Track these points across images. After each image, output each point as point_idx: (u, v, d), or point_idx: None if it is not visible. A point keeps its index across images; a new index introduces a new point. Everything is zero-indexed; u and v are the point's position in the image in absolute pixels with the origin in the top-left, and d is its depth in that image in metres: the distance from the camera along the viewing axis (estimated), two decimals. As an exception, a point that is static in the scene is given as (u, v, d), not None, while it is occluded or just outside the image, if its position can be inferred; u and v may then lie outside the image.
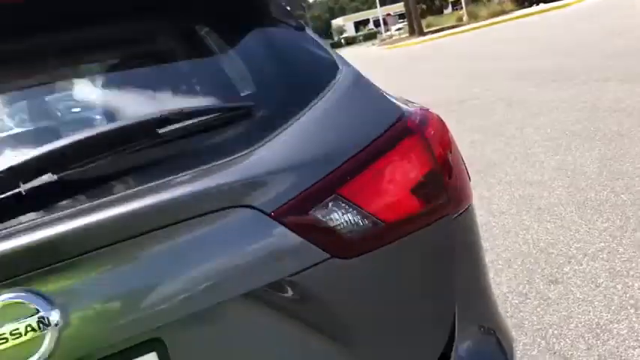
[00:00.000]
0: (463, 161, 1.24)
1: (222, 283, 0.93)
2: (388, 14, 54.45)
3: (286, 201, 0.97)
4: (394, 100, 1.20)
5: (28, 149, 0.92)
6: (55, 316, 0.82)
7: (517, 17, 26.86)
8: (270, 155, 1.01)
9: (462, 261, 1.14)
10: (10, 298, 0.81)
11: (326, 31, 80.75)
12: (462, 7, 37.95)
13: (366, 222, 1.01)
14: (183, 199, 0.92)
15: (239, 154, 1.00)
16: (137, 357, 0.89)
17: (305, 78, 1.19)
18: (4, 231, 0.84)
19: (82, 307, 0.85)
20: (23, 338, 0.80)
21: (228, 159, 0.99)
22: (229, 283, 0.93)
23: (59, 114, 1.18)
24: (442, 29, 33.28)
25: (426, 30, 35.69)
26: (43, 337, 0.82)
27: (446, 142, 1.17)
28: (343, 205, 1.00)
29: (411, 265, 1.08)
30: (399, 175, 1.07)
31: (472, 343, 1.15)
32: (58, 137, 0.97)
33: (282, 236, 0.96)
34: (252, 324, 0.96)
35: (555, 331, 2.35)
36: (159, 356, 0.90)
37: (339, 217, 0.99)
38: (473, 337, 1.16)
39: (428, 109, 1.24)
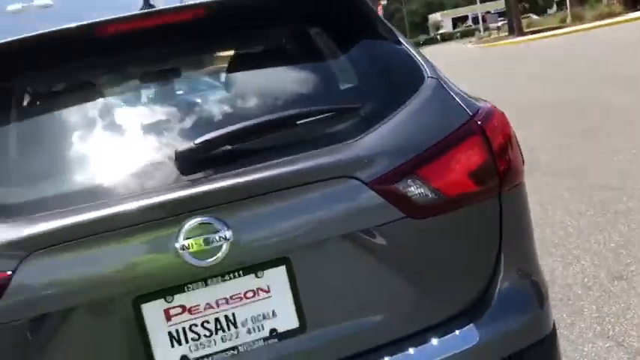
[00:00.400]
0: (519, 147, 1.58)
1: (332, 224, 1.32)
2: (488, 12, 53.34)
3: (379, 176, 1.34)
4: (467, 102, 1.54)
5: (227, 127, 1.36)
6: (229, 235, 1.23)
7: (626, 20, 25.67)
8: (370, 142, 1.38)
9: (508, 225, 1.48)
10: (204, 220, 1.23)
11: (422, 26, 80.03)
12: (566, 8, 36.61)
13: (433, 195, 1.37)
14: (313, 168, 1.32)
15: (349, 141, 1.38)
16: (272, 267, 1.30)
17: (399, 85, 1.55)
18: (218, 175, 1.29)
19: (246, 232, 1.26)
20: (208, 247, 1.22)
21: (341, 143, 1.38)
22: (337, 225, 1.32)
23: (240, 103, 1.63)
24: (543, 30, 32.31)
25: (526, 30, 34.75)
26: (220, 247, 1.23)
27: (504, 137, 1.51)
28: (418, 182, 1.36)
29: (465, 227, 1.44)
30: (461, 164, 1.42)
31: (510, 283, 1.49)
32: (246, 119, 1.40)
33: (374, 199, 1.33)
34: (349, 255, 1.35)
35: (612, 320, 2.59)
36: (287, 270, 1.31)
37: (415, 190, 1.36)
38: (511, 279, 1.50)
39: (494, 108, 1.58)
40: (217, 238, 1.23)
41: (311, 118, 1.42)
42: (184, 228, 1.23)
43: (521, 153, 1.61)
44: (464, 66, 18.29)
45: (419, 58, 1.65)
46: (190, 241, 1.22)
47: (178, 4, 1.63)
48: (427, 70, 1.60)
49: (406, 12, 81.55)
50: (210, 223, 1.23)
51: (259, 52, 1.88)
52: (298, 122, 1.41)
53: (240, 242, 1.25)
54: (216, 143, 1.33)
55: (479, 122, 1.48)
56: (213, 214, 1.24)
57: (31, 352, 1.24)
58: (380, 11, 66.55)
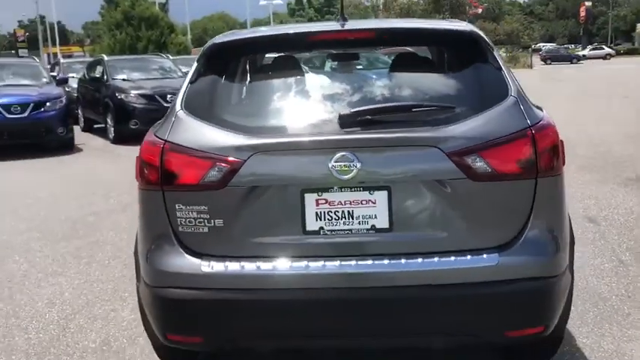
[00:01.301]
0: (561, 151, 2.37)
1: (418, 173, 2.24)
2: None
3: (454, 150, 2.22)
4: (532, 115, 2.34)
5: (372, 104, 2.38)
6: (359, 165, 2.20)
7: None
8: (454, 130, 2.26)
9: (540, 198, 2.27)
10: (346, 154, 2.19)
11: (627, 34, 74.01)
12: None
13: (487, 169, 2.23)
14: (415, 137, 2.25)
15: (441, 126, 2.28)
16: (379, 190, 2.25)
17: (489, 98, 2.40)
18: (359, 131, 2.27)
19: (369, 166, 2.21)
20: (346, 169, 2.19)
21: (436, 127, 2.28)
22: (421, 174, 2.24)
23: (383, 91, 2.64)
24: None
25: None
26: (352, 171, 2.20)
27: (548, 143, 2.30)
28: (479, 159, 2.22)
29: (507, 193, 2.27)
30: (511, 154, 2.26)
31: (534, 235, 2.29)
32: (383, 101, 2.40)
33: (448, 163, 2.22)
34: (426, 194, 2.25)
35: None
36: (387, 193, 2.25)
37: (476, 163, 2.22)
38: (536, 232, 2.29)
39: (549, 124, 2.37)
40: (351, 165, 2.21)
41: (422, 109, 2.36)
42: (335, 155, 2.22)
43: (563, 156, 2.40)
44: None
45: (510, 82, 2.48)
46: (338, 163, 2.22)
47: (362, 26, 2.69)
48: (512, 90, 2.43)
49: (612, 17, 75.69)
50: (349, 156, 2.22)
51: (404, 59, 2.83)
52: (413, 110, 2.35)
53: (364, 171, 2.22)
54: (363, 113, 2.32)
55: (533, 130, 2.30)
56: (353, 151, 2.22)
57: (244, 204, 2.31)
58: (583, 12, 61.84)
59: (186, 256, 2.35)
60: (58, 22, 77.97)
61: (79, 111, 13.98)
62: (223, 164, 2.28)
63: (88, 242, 5.32)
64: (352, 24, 2.73)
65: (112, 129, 11.93)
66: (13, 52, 56.25)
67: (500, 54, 2.73)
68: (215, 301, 2.31)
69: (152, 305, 2.44)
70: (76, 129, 12.25)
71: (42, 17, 60.19)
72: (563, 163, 2.43)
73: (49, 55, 51.24)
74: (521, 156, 2.28)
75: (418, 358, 3.00)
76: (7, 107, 10.32)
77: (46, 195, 7.38)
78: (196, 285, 2.32)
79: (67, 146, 10.98)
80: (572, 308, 3.46)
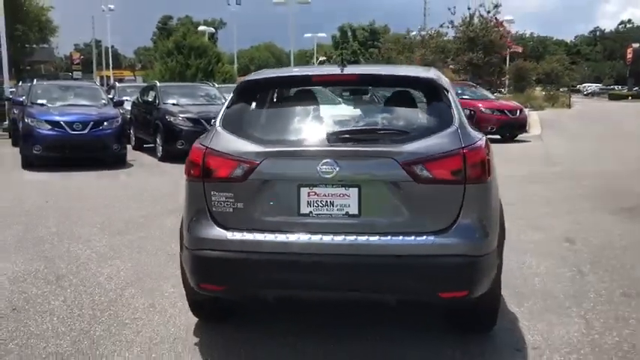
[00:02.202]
0: (487, 165, 3.28)
1: (379, 176, 3.18)
2: None
3: (405, 161, 3.15)
4: (468, 139, 3.26)
5: (350, 126, 3.40)
6: (337, 169, 3.13)
7: None
8: (406, 147, 3.20)
9: (468, 197, 3.16)
10: (329, 161, 3.14)
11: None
12: None
13: (429, 175, 3.15)
14: (377, 151, 3.21)
15: (398, 144, 3.23)
16: (352, 187, 3.19)
17: (437, 126, 3.35)
18: (340, 145, 3.23)
19: (345, 170, 3.16)
20: (329, 171, 3.15)
21: (394, 144, 3.24)
22: (381, 176, 3.18)
23: (360, 116, 3.63)
24: None
25: None
26: (333, 172, 3.15)
27: (476, 160, 3.22)
28: (423, 168, 3.15)
29: (442, 192, 3.18)
30: (447, 166, 3.17)
31: (465, 225, 3.17)
32: (359, 124, 3.41)
33: (401, 171, 3.14)
34: (385, 191, 3.18)
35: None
36: (358, 190, 3.19)
37: (420, 171, 3.15)
38: (467, 223, 3.17)
39: (481, 145, 3.29)
40: (333, 169, 3.16)
41: (385, 131, 3.33)
42: (322, 161, 3.18)
43: (489, 169, 3.32)
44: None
45: (455, 116, 3.41)
46: (323, 167, 3.18)
47: (352, 72, 3.69)
48: (455, 121, 3.37)
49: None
50: (331, 162, 3.18)
51: (378, 95, 3.81)
52: (379, 132, 3.32)
53: (342, 173, 3.18)
54: (344, 132, 3.31)
55: (464, 151, 3.23)
56: (334, 159, 3.17)
57: (258, 193, 3.28)
58: (630, 54, 61.60)
59: (217, 228, 3.34)
60: (112, 47, 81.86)
61: (132, 131, 15.30)
62: (245, 164, 3.28)
63: (138, 237, 6.39)
64: (347, 69, 3.73)
65: (160, 148, 13.16)
66: (69, 74, 59.16)
67: (454, 94, 3.67)
68: (235, 259, 3.29)
69: (190, 263, 3.44)
70: (128, 147, 13.53)
71: (97, 41, 63.46)
72: (489, 175, 3.34)
73: (101, 77, 53.81)
74: (453, 168, 3.21)
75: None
76: (70, 124, 11.65)
77: (102, 200, 8.55)
78: (222, 248, 3.31)
79: (121, 161, 12.25)
80: (525, 302, 4.36)
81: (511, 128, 18.06)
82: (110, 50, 61.88)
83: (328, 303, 4.03)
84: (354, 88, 4.08)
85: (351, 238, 3.21)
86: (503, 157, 14.21)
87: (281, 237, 3.26)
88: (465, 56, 23.62)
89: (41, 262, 5.46)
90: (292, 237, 3.25)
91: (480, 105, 17.87)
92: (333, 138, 3.29)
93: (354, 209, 3.24)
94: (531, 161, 13.14)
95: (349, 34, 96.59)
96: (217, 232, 3.34)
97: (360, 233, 3.22)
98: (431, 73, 3.77)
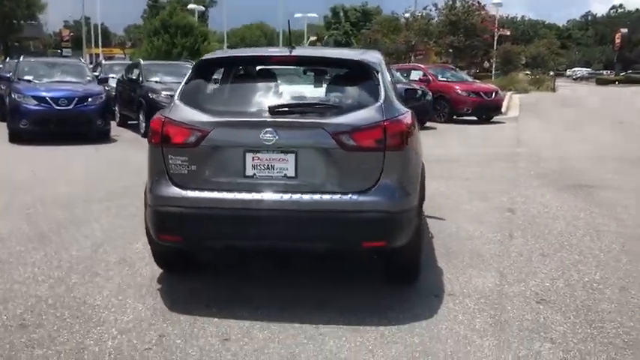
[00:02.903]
0: (406, 135, 3.85)
1: (313, 143, 3.73)
2: None
3: (334, 131, 3.70)
4: (390, 113, 3.82)
5: (289, 100, 4.00)
6: (277, 137, 3.67)
7: None
8: (335, 120, 3.75)
9: (388, 163, 3.72)
10: (270, 130, 3.68)
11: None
12: None
13: (354, 144, 3.70)
14: (311, 122, 3.76)
15: (329, 117, 3.78)
16: (290, 153, 3.73)
17: (365, 102, 3.90)
18: (280, 116, 3.79)
19: (283, 138, 3.69)
20: (270, 138, 3.72)
21: (326, 117, 3.79)
22: (314, 143, 3.72)
23: (299, 92, 4.15)
24: None
25: None
26: (273, 140, 3.68)
27: (395, 131, 3.77)
28: (349, 137, 3.70)
29: (366, 158, 3.74)
30: (370, 136, 3.73)
31: (385, 185, 3.73)
32: (298, 99, 4.02)
33: (329, 138, 3.68)
34: (317, 156, 3.73)
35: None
36: (295, 155, 3.73)
37: (347, 140, 3.69)
38: (387, 184, 3.73)
39: (401, 119, 3.86)
40: (273, 137, 3.70)
41: (319, 105, 3.89)
42: (264, 130, 3.72)
43: (404, 138, 3.88)
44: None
45: (382, 93, 3.97)
46: (265, 135, 3.72)
47: (296, 54, 4.22)
48: (381, 98, 3.92)
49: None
50: (272, 131, 3.72)
51: (317, 74, 4.34)
52: (315, 106, 3.87)
53: (281, 141, 3.72)
54: (283, 106, 3.86)
55: (385, 123, 3.79)
56: (274, 128, 3.70)
57: (209, 157, 3.82)
58: (618, 39, 62.30)
59: (174, 187, 3.89)
60: (102, 24, 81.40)
61: (116, 108, 15.75)
62: (198, 132, 3.82)
63: (117, 204, 6.92)
64: (294, 52, 4.26)
65: (143, 124, 13.63)
66: (58, 51, 58.98)
67: (385, 74, 4.22)
68: (189, 214, 3.85)
69: (152, 218, 3.99)
70: (113, 124, 13.99)
71: (87, 19, 63.27)
72: (407, 144, 3.91)
73: (91, 55, 53.74)
74: (375, 137, 3.77)
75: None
76: (55, 100, 12.09)
77: (85, 172, 9.07)
78: (178, 204, 3.86)
79: (105, 137, 12.73)
80: (453, 259, 4.97)
81: (486, 110, 18.64)
82: (99, 27, 61.62)
83: (276, 256, 4.63)
84: (303, 68, 4.62)
85: (288, 196, 3.77)
86: (474, 137, 14.93)
87: (229, 195, 3.82)
88: (447, 39, 24.09)
89: (25, 224, 6.00)
90: (238, 195, 3.81)
91: (457, 87, 18.44)
92: (275, 110, 3.84)
93: (291, 172, 3.79)
94: (499, 142, 13.75)
95: (341, 14, 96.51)
96: (174, 191, 3.89)
97: (296, 192, 3.78)
98: (366, 56, 4.32)
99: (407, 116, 4.01)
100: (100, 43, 58.53)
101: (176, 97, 4.12)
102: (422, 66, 20.66)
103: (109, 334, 3.63)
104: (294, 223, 3.79)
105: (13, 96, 12.24)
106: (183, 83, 4.22)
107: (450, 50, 24.64)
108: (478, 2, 24.42)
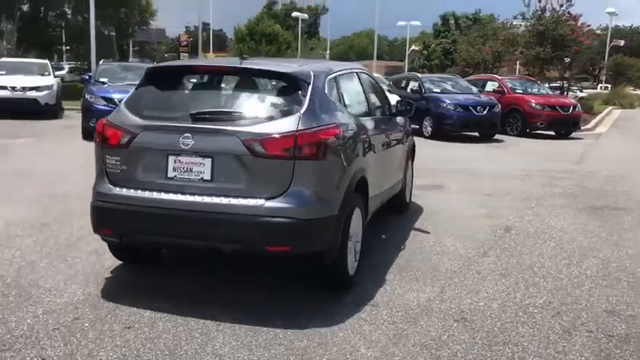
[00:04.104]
0: (320, 146, 3.95)
1: (227, 149, 3.94)
2: None
3: (245, 139, 3.89)
4: (307, 124, 3.95)
5: (210, 108, 4.21)
6: (194, 142, 3.93)
7: None
8: (249, 128, 3.95)
9: (298, 171, 3.87)
10: (188, 135, 3.95)
11: None
12: None
13: (264, 151, 3.87)
14: (227, 130, 3.97)
15: (242, 125, 3.98)
16: (207, 157, 3.97)
17: (285, 112, 4.07)
18: (199, 122, 4.02)
19: (200, 143, 3.95)
20: (187, 142, 3.98)
21: (240, 125, 3.99)
22: (228, 149, 3.93)
23: (225, 100, 4.38)
24: None
25: None
26: (190, 144, 3.95)
27: (306, 141, 3.89)
28: (260, 145, 3.87)
29: (276, 165, 3.90)
30: (280, 145, 3.88)
31: (294, 193, 3.89)
32: (222, 107, 4.26)
33: (241, 145, 3.88)
34: (230, 160, 3.94)
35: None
36: (211, 160, 3.96)
37: (257, 148, 3.87)
38: (296, 191, 3.88)
39: (316, 133, 3.97)
40: (190, 142, 3.96)
41: (237, 114, 4.09)
42: (183, 135, 3.98)
43: (319, 149, 3.98)
44: None
45: (306, 105, 4.11)
46: (184, 140, 3.98)
47: (230, 65, 4.43)
48: (303, 110, 4.06)
49: None
50: (190, 136, 3.97)
51: (251, 85, 4.51)
52: (233, 114, 4.08)
53: (198, 146, 3.97)
54: (203, 113, 4.09)
55: (297, 134, 3.92)
56: (192, 134, 3.96)
57: (137, 158, 4.14)
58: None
59: (108, 184, 4.24)
60: (220, 30, 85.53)
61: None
62: (128, 135, 4.15)
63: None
64: (244, 62, 4.49)
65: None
66: (173, 54, 62.61)
67: (320, 87, 4.35)
68: (118, 210, 4.18)
69: (91, 212, 4.36)
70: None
71: (206, 24, 66.79)
72: (324, 155, 4.01)
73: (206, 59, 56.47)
74: (285, 146, 3.91)
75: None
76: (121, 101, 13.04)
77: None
78: (110, 200, 4.21)
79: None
80: (404, 272, 5.02)
81: (562, 125, 17.78)
82: (211, 33, 64.73)
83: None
84: (239, 79, 4.69)
85: (202, 198, 4.00)
86: (536, 152, 14.34)
87: (151, 194, 4.11)
88: (533, 50, 23.14)
89: (39, 212, 6.64)
90: (160, 195, 4.09)
91: (532, 100, 17.76)
92: (195, 117, 4.09)
93: (207, 175, 4.02)
94: (561, 159, 13.12)
95: (451, 22, 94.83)
96: (108, 188, 4.24)
97: (210, 195, 4.01)
98: (303, 68, 4.47)
99: (329, 129, 4.11)
100: (210, 48, 61.57)
101: (122, 103, 4.48)
102: (498, 77, 20.02)
103: (34, 313, 4.03)
104: (205, 223, 4.01)
105: (86, 96, 13.35)
106: (133, 89, 4.58)
107: (536, 62, 23.63)
108: (569, 12, 23.27)
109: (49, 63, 20.57)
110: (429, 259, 5.44)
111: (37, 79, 18.51)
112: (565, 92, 26.48)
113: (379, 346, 3.69)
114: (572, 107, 17.98)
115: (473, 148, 14.82)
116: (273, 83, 4.42)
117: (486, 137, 16.58)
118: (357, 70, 5.76)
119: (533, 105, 17.50)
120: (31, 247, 5.42)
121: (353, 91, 5.34)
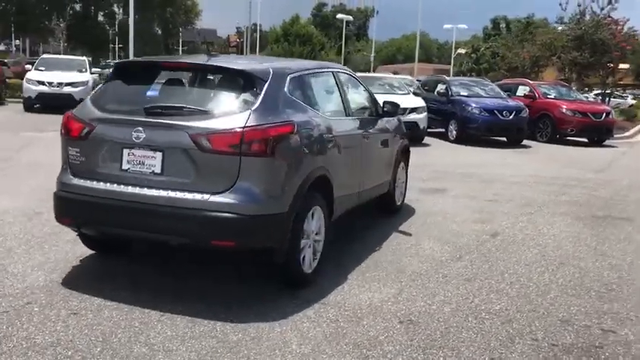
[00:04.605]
0: (267, 144, 3.99)
1: (175, 142, 4.02)
2: None
3: (193, 134, 3.97)
4: (257, 122, 4.01)
5: (165, 102, 4.28)
6: (145, 135, 4.03)
7: None
8: (197, 123, 4.02)
9: (244, 167, 3.92)
10: (139, 128, 4.05)
11: None
12: None
13: (210, 147, 3.95)
14: (177, 124, 4.06)
15: (192, 120, 4.04)
16: (158, 151, 4.07)
17: (236, 108, 4.13)
18: (152, 116, 4.13)
19: (152, 136, 4.05)
20: (139, 135, 4.07)
21: (190, 120, 4.05)
22: (177, 142, 4.01)
23: (179, 95, 4.49)
24: None
25: None
26: (142, 138, 4.04)
27: (252, 138, 3.94)
28: (206, 140, 3.94)
29: (222, 161, 3.96)
30: (226, 141, 3.95)
31: (241, 188, 3.95)
32: (175, 102, 4.33)
33: (190, 141, 3.96)
34: (180, 154, 4.03)
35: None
36: (162, 153, 4.07)
37: (204, 143, 3.94)
38: (243, 186, 3.95)
39: (262, 129, 4.01)
40: (141, 135, 4.06)
41: (187, 109, 4.16)
42: (135, 128, 4.09)
43: (267, 146, 4.02)
44: None
45: (259, 102, 4.15)
46: (136, 133, 4.08)
47: (191, 61, 4.52)
48: (254, 107, 4.11)
49: None
50: (142, 130, 4.07)
51: (209, 82, 4.58)
52: (184, 109, 4.15)
53: (150, 140, 4.07)
54: (156, 107, 4.18)
55: (244, 130, 3.97)
56: (144, 128, 4.07)
57: (94, 150, 4.26)
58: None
59: (69, 175, 4.39)
60: (271, 29, 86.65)
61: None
62: (87, 127, 4.29)
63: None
64: (212, 60, 4.58)
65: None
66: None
67: (277, 85, 4.39)
68: (75, 199, 4.32)
69: (53, 201, 4.52)
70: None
71: (255, 25, 67.85)
72: (273, 152, 4.05)
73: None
74: (230, 142, 3.97)
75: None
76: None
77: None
78: (68, 190, 4.36)
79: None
80: (371, 272, 5.04)
81: (593, 132, 17.29)
82: (258, 33, 65.56)
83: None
84: (199, 75, 4.77)
85: (151, 191, 4.10)
86: (560, 159, 13.98)
87: (107, 186, 4.23)
88: (570, 55, 22.46)
89: (36, 202, 6.88)
90: (114, 186, 4.21)
91: (563, 106, 17.34)
92: (148, 111, 4.19)
93: (158, 169, 4.11)
94: (584, 166, 12.75)
95: (502, 26, 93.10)
96: (68, 178, 4.39)
97: (159, 188, 4.10)
98: (260, 66, 4.52)
99: (282, 126, 4.15)
100: (257, 48, 62.41)
101: (88, 96, 4.62)
102: (529, 82, 19.55)
103: (-10, 296, 4.20)
104: (154, 216, 4.10)
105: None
106: (101, 84, 4.72)
107: (573, 67, 22.94)
108: (609, 16, 22.49)
109: (86, 60, 21.40)
110: (399, 260, 5.40)
111: (73, 75, 19.27)
112: (607, 99, 25.66)
113: (312, 344, 3.70)
114: (605, 114, 17.46)
115: (495, 153, 14.57)
116: (232, 81, 4.48)
117: (514, 142, 16.28)
118: (335, 70, 5.76)
119: (564, 111, 17.07)
120: (15, 235, 5.64)
121: (325, 91, 5.35)
